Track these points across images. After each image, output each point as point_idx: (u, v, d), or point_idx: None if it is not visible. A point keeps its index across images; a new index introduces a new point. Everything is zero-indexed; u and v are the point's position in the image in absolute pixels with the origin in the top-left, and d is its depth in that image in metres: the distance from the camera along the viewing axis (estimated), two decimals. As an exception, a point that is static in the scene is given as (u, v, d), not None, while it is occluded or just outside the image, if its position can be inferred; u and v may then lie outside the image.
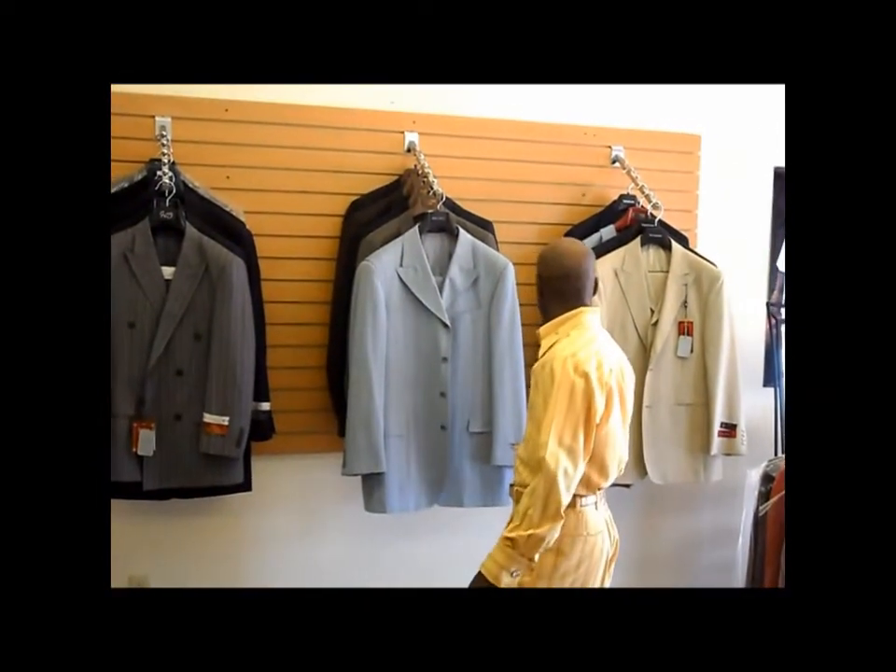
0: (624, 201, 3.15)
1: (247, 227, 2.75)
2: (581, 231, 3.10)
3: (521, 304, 2.85)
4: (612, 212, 3.15)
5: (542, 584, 2.20)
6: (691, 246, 3.20)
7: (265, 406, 2.74)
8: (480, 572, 2.15)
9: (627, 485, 3.07)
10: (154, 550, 2.89)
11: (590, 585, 2.25)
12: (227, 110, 2.84)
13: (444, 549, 3.08)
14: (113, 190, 2.59)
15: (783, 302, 3.49)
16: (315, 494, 3.02)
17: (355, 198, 2.94)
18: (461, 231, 2.80)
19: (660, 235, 3.06)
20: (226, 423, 2.56)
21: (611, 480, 2.29)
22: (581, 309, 2.28)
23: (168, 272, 2.56)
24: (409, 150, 2.98)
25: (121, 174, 2.65)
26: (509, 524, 2.17)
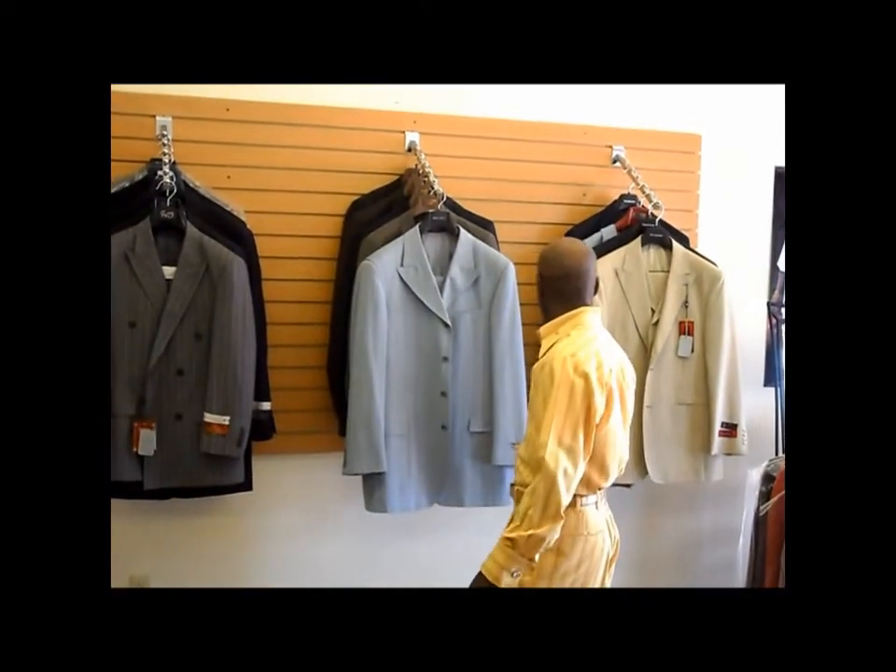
0: (625, 200, 3.15)
1: (248, 226, 2.75)
2: (581, 230, 3.10)
3: (521, 304, 2.85)
4: (613, 212, 3.15)
5: (543, 584, 2.20)
6: (691, 246, 3.20)
7: (266, 406, 2.75)
8: (480, 572, 2.15)
9: (628, 485, 3.07)
10: (155, 549, 2.89)
11: (590, 585, 2.25)
12: (228, 110, 2.84)
13: (444, 549, 3.08)
14: (114, 190, 2.59)
15: (784, 302, 3.49)
16: (316, 493, 3.02)
17: (355, 197, 2.94)
18: (462, 230, 2.80)
19: (661, 235, 3.06)
20: (227, 422, 2.56)
21: (612, 480, 2.29)
22: (582, 309, 2.27)
23: (169, 271, 2.56)
24: (410, 150, 2.98)
25: (122, 173, 2.65)
26: (509, 524, 2.17)
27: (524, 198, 3.14)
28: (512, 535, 2.10)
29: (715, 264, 3.10)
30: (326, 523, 3.06)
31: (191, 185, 2.69)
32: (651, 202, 3.06)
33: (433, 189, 2.80)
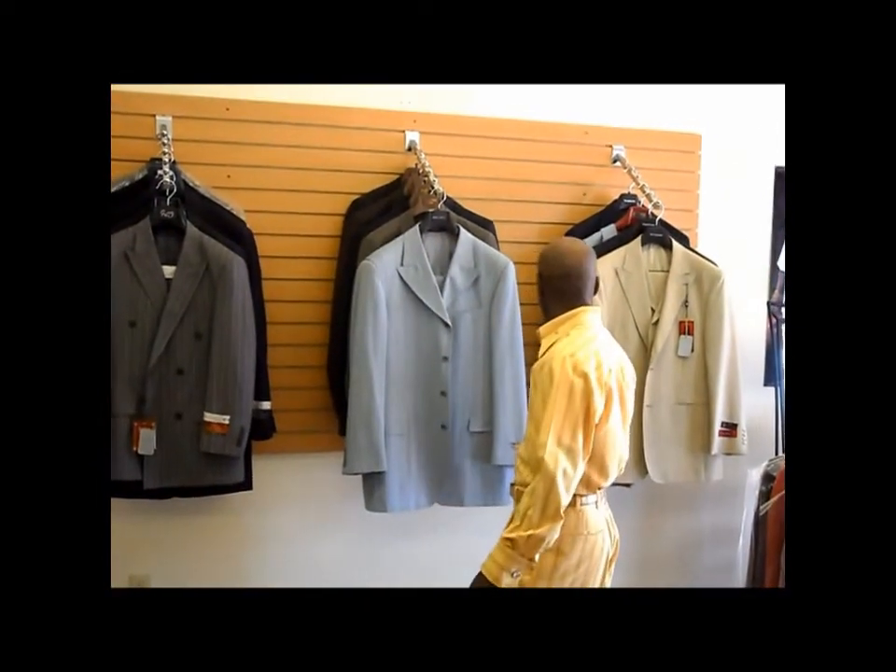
0: (625, 200, 3.15)
1: (248, 226, 2.75)
2: (581, 230, 3.10)
3: (521, 303, 2.85)
4: (613, 211, 3.16)
5: (542, 584, 2.20)
6: (691, 246, 3.20)
7: (266, 405, 2.75)
8: (480, 572, 2.14)
9: (628, 485, 3.07)
10: (155, 549, 2.89)
11: (590, 585, 2.25)
12: (227, 109, 2.84)
13: (444, 548, 3.08)
14: (114, 189, 2.59)
15: (784, 302, 3.49)
16: (316, 493, 3.02)
17: (355, 197, 2.94)
18: (462, 230, 2.80)
19: (661, 234, 3.06)
20: (226, 422, 2.56)
21: (612, 479, 2.29)
22: (582, 308, 2.27)
23: (169, 270, 2.56)
24: (410, 149, 2.98)
25: (122, 173, 2.65)
26: (509, 524, 2.16)
27: (524, 197, 3.14)
28: (512, 535, 2.10)
29: (715, 264, 3.10)
30: (326, 522, 3.06)
31: (191, 184, 2.69)
32: (651, 201, 3.06)
33: (433, 188, 2.80)
